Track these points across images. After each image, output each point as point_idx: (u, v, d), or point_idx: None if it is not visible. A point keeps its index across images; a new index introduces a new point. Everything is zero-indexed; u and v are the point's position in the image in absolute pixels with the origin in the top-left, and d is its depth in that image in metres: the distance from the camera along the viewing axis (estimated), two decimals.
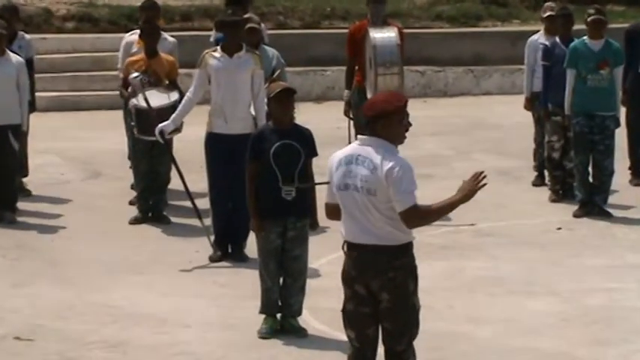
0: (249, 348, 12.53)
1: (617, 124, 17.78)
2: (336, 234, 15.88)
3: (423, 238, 15.75)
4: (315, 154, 13.17)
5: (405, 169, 9.67)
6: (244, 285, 14.02)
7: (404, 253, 9.78)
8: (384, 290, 9.77)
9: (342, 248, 10.06)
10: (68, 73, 24.55)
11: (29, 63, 17.91)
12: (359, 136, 10.45)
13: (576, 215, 17.40)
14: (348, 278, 10.09)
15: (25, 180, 18.42)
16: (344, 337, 11.89)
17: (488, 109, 24.30)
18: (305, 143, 12.92)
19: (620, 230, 16.95)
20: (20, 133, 17.17)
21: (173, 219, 16.89)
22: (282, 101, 12.86)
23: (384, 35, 17.26)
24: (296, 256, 12.87)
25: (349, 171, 9.79)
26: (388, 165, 9.68)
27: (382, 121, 9.92)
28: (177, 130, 16.39)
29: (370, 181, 9.67)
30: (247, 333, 12.79)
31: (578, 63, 17.49)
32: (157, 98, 16.54)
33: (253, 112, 15.67)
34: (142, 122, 16.49)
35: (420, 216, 9.64)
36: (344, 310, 10.14)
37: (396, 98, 10.17)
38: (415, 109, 20.00)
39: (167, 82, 16.96)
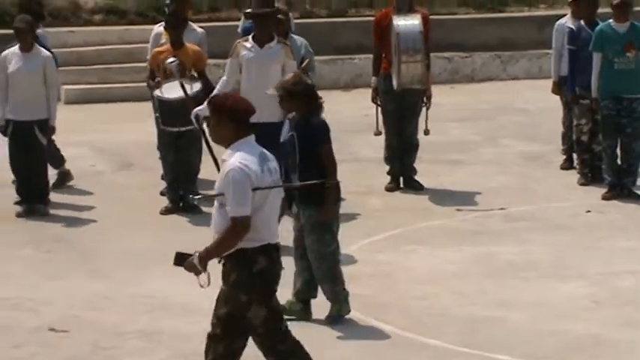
0: None
1: None
2: (366, 221, 16.16)
3: (453, 223, 16.73)
4: (315, 146, 12.88)
5: None
6: None
7: None
8: None
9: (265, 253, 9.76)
10: (97, 65, 24.60)
11: None
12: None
13: (605, 198, 17.43)
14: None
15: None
16: (381, 326, 12.68)
17: (515, 94, 24.32)
18: (304, 135, 12.79)
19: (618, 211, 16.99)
20: (48, 127, 17.22)
21: (204, 209, 16.50)
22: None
23: (407, 23, 17.40)
24: (307, 246, 12.86)
25: (269, 170, 9.82)
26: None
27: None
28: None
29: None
30: None
31: (604, 46, 17.50)
32: (177, 89, 16.48)
33: None
34: (165, 114, 16.71)
35: None
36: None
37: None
38: (442, 95, 20.29)
39: (194, 72, 16.92)
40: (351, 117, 18.72)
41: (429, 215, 16.89)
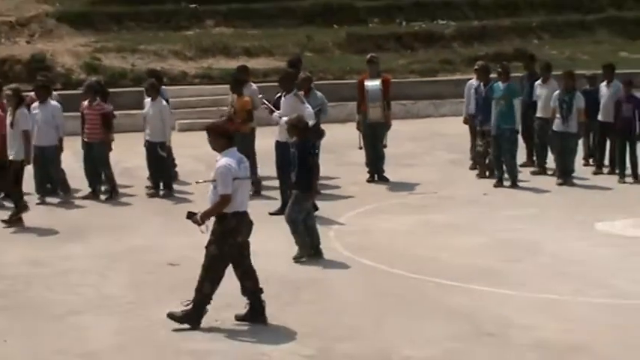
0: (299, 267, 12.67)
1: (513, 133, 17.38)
2: (352, 200, 16.45)
3: (406, 201, 16.36)
4: (300, 160, 12.79)
5: None
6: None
7: None
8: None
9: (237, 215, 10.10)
10: (197, 108, 23.78)
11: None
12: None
13: (495, 186, 17.31)
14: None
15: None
16: (364, 261, 12.82)
17: (443, 125, 23.59)
18: (300, 152, 12.76)
19: (521, 194, 16.94)
20: (165, 146, 16.86)
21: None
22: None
23: (372, 84, 17.60)
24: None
25: (243, 168, 10.19)
26: None
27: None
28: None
29: None
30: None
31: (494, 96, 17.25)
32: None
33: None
34: None
35: None
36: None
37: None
38: (400, 125, 20.52)
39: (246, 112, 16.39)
40: (346, 139, 18.89)
41: (391, 197, 16.91)
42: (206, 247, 10.16)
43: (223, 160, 10.09)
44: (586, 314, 10.67)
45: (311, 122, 14.54)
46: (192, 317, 10.17)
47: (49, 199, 16.48)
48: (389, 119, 18.01)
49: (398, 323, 10.35)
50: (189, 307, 10.17)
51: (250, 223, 10.32)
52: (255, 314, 10.35)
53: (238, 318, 10.36)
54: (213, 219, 10.15)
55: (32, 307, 10.94)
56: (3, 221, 14.70)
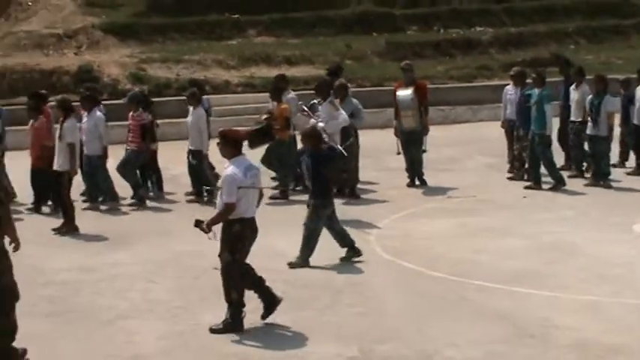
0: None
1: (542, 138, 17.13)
2: (392, 204, 16.28)
3: (444, 205, 16.36)
4: (320, 166, 12.71)
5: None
6: None
7: None
8: None
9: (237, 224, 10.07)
10: (237, 116, 23.45)
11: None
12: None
13: (532, 188, 17.22)
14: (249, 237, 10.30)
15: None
16: (404, 264, 12.77)
17: (481, 130, 23.45)
18: (314, 160, 12.79)
19: (559, 197, 16.82)
20: (202, 154, 16.75)
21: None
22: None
23: (404, 93, 17.48)
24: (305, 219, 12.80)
25: (251, 176, 10.13)
26: None
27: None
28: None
29: None
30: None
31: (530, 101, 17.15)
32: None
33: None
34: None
35: None
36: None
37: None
38: (438, 131, 20.48)
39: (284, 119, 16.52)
40: (384, 144, 18.83)
41: (430, 201, 16.82)
42: (219, 256, 10.22)
43: (230, 169, 10.09)
44: (625, 316, 10.57)
45: (344, 124, 15.00)
46: (233, 325, 10.21)
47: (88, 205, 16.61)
48: (427, 125, 17.89)
49: (439, 325, 10.31)
50: (228, 316, 10.22)
51: (255, 230, 10.33)
52: (239, 322, 10.29)
53: (215, 330, 10.24)
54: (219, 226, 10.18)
55: (82, 313, 11.01)
56: (54, 230, 14.75)
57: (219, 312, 10.33)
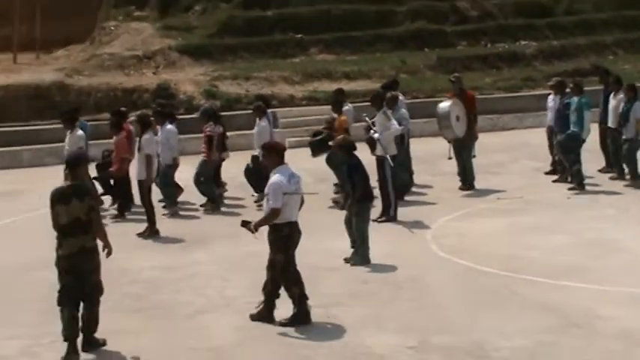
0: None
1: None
2: (447, 205, 16.07)
3: (494, 206, 16.18)
4: (351, 172, 12.69)
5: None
6: None
7: None
8: None
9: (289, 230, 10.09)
10: (303, 127, 22.78)
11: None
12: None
13: (575, 189, 16.85)
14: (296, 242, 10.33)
15: None
16: (459, 261, 12.67)
17: (526, 136, 22.96)
18: (348, 167, 12.80)
19: (601, 197, 16.47)
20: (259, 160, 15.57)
21: None
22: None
23: (442, 106, 17.35)
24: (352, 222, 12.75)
25: (294, 183, 10.15)
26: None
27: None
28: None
29: None
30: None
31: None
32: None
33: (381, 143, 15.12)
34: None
35: None
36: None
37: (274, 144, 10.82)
38: (487, 137, 20.37)
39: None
40: (437, 151, 18.71)
41: (481, 202, 16.63)
42: (271, 260, 10.24)
43: (275, 177, 10.09)
44: None
45: (396, 134, 15.17)
46: (300, 318, 10.22)
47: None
48: (475, 132, 17.73)
49: (491, 317, 10.25)
50: (295, 310, 10.23)
51: (300, 232, 10.31)
52: (305, 314, 10.28)
53: (285, 323, 10.23)
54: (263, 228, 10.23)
55: (164, 309, 11.11)
56: (138, 234, 14.84)
57: (289, 306, 10.31)
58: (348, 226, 12.82)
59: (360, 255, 12.63)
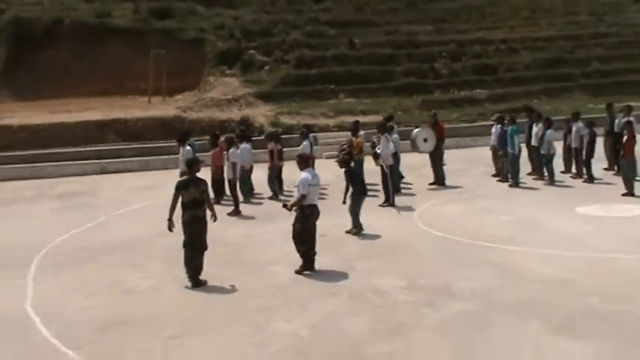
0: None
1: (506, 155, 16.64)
2: (426, 196, 15.50)
3: (457, 197, 15.60)
4: (352, 178, 12.25)
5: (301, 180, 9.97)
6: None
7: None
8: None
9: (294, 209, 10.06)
10: (334, 145, 21.32)
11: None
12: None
13: (511, 186, 16.44)
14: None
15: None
16: (435, 232, 12.34)
17: (479, 152, 21.06)
18: (349, 174, 12.31)
19: (529, 191, 15.81)
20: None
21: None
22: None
23: (413, 132, 17.06)
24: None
25: (315, 178, 10.12)
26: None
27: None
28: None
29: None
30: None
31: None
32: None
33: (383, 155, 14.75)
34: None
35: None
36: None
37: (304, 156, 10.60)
38: (453, 153, 20.06)
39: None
40: (419, 161, 18.66)
41: (450, 194, 16.05)
42: (293, 225, 10.12)
43: (304, 174, 10.05)
44: (572, 263, 10.31)
45: (393, 151, 14.94)
46: (307, 266, 10.18)
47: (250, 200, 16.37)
48: (442, 149, 17.11)
49: (456, 269, 10.18)
50: (303, 262, 10.15)
51: (318, 212, 10.15)
52: (311, 264, 10.15)
53: (297, 271, 10.11)
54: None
55: (245, 262, 11.07)
56: (228, 214, 14.68)
57: (324, 258, 10.35)
58: (350, 211, 12.46)
59: (356, 227, 12.35)
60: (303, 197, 9.95)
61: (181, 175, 15.02)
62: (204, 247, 9.83)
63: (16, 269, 11.02)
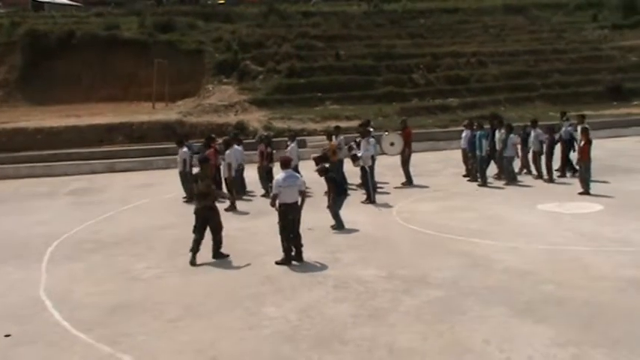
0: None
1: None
2: (401, 194, 15.34)
3: (430, 195, 15.42)
4: (330, 177, 12.18)
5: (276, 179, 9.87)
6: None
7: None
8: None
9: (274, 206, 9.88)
10: (320, 147, 22.44)
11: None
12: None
13: (480, 185, 16.28)
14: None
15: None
16: (411, 226, 12.21)
17: (451, 154, 21.15)
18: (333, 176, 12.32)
19: (494, 190, 15.70)
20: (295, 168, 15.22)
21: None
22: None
23: (384, 136, 16.91)
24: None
25: (290, 179, 9.91)
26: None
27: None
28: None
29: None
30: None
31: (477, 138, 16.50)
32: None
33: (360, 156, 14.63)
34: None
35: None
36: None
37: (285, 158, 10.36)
38: (427, 154, 20.03)
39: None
40: (393, 163, 17.60)
41: (424, 192, 15.85)
42: (278, 223, 10.02)
43: (277, 176, 10.01)
44: (534, 254, 10.22)
45: (372, 153, 14.49)
46: (286, 260, 10.08)
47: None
48: (409, 152, 16.79)
49: (430, 259, 10.15)
50: (283, 257, 10.05)
51: (296, 209, 9.93)
52: (299, 255, 10.07)
53: (278, 262, 10.01)
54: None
55: (238, 253, 10.95)
56: (225, 209, 14.52)
57: (312, 250, 10.33)
58: (330, 210, 12.32)
59: (336, 223, 12.22)
60: (274, 197, 9.91)
61: (181, 174, 15.08)
62: (217, 229, 10.49)
63: (32, 258, 11.03)
